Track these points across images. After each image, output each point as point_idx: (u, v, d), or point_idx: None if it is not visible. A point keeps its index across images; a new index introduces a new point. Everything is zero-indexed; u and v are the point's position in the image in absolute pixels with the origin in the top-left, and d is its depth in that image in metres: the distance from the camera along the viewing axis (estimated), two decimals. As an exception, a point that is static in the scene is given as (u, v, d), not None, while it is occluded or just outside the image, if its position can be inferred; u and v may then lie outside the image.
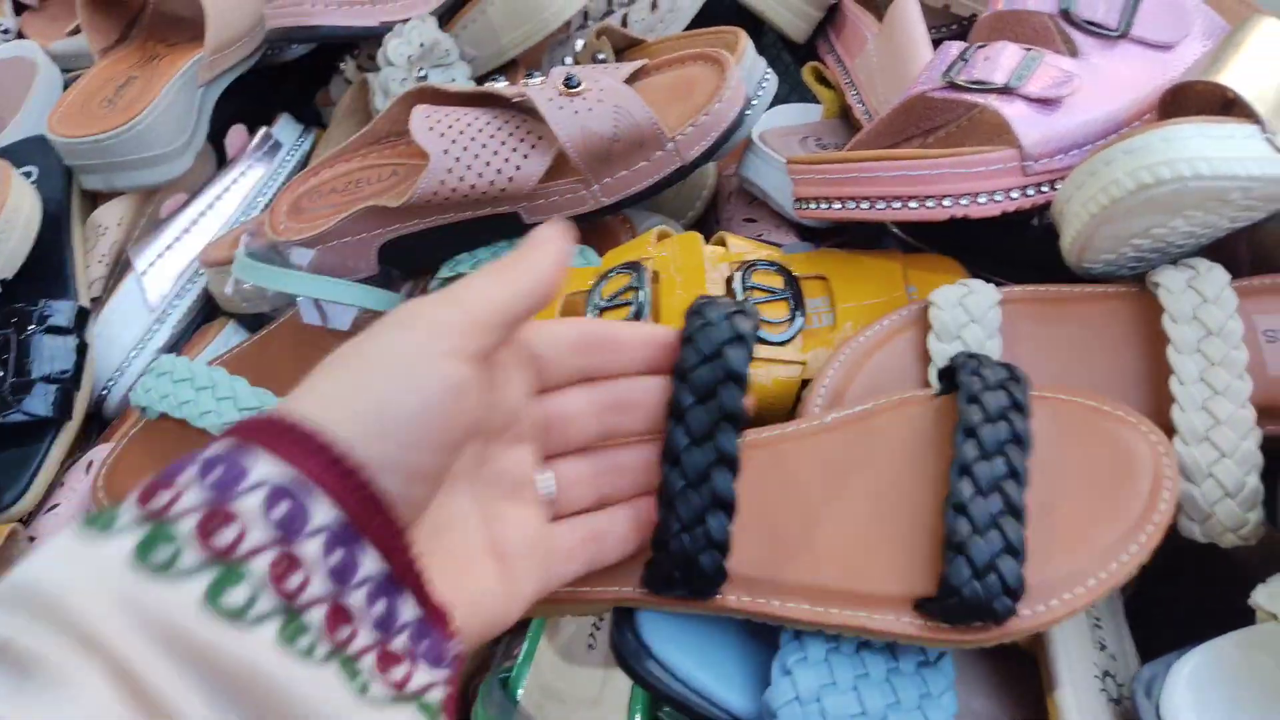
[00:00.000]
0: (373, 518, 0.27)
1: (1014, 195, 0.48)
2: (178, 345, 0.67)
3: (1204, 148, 0.41)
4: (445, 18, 0.76)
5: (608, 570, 0.39)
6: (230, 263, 0.65)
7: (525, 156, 0.56)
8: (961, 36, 0.70)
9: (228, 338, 0.66)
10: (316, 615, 0.26)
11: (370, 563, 0.27)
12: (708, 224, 0.72)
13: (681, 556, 0.36)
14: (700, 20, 0.79)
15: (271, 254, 0.60)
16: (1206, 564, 0.50)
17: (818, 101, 0.74)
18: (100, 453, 0.62)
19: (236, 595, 0.25)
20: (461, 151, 0.55)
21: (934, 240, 0.55)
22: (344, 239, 0.60)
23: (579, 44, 0.74)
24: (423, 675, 0.28)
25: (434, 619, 0.29)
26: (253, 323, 0.68)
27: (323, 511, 0.26)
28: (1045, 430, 0.39)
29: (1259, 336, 0.45)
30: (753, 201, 0.69)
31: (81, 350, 0.62)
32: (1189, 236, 0.46)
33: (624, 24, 0.77)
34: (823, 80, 0.75)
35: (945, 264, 0.53)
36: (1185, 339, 0.44)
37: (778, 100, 0.82)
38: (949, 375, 0.41)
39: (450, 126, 0.56)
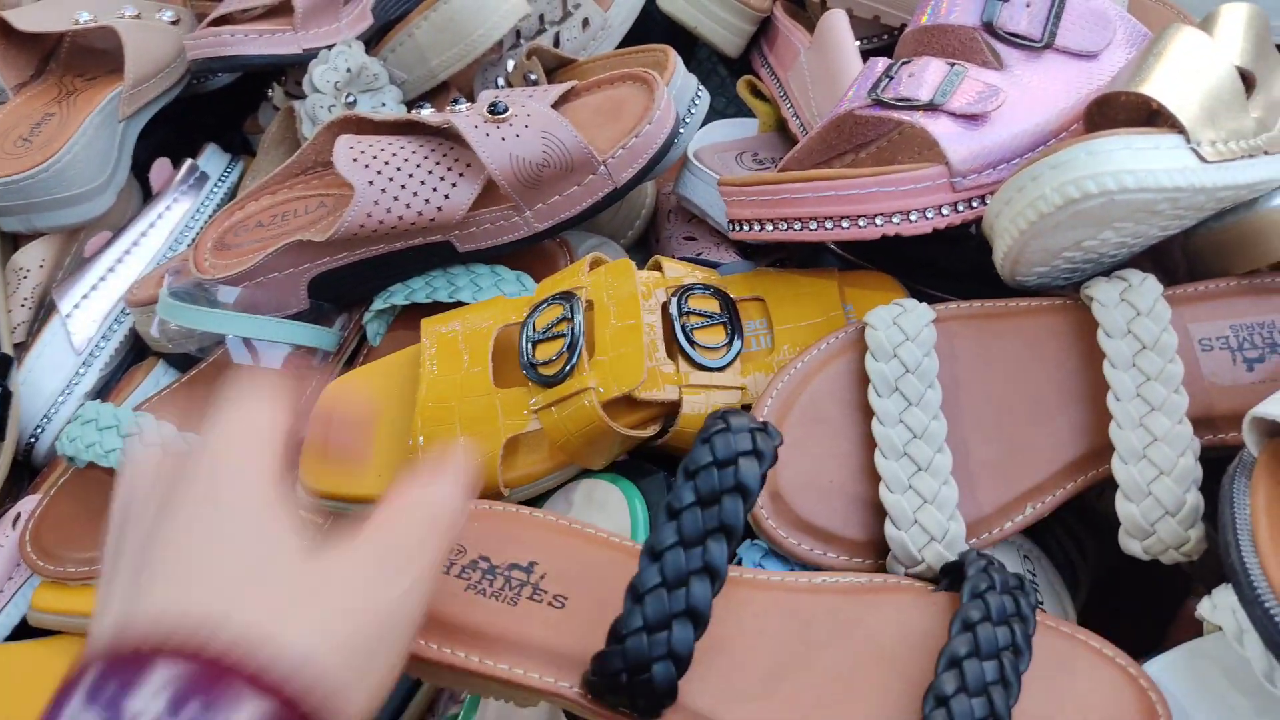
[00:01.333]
0: None
1: (944, 212, 0.47)
2: (106, 388, 0.65)
3: (1128, 160, 0.41)
4: (372, 41, 0.74)
5: (550, 656, 0.37)
6: (155, 302, 0.63)
7: (453, 185, 0.55)
8: (892, 47, 0.70)
9: (157, 379, 0.64)
10: None
11: None
12: (648, 243, 0.71)
13: (636, 657, 0.34)
14: (633, 37, 0.78)
15: (197, 292, 0.58)
16: (1156, 576, 0.50)
17: (754, 115, 0.74)
18: (28, 504, 0.60)
19: None
20: (387, 183, 0.54)
21: (871, 256, 0.55)
22: (272, 274, 0.58)
23: (511, 64, 0.72)
24: None
25: None
26: (183, 362, 0.66)
27: None
28: (1037, 657, 0.37)
29: (1194, 347, 0.45)
30: (692, 219, 0.68)
31: (5, 399, 0.60)
32: (1120, 246, 0.46)
33: (556, 42, 0.76)
34: (758, 94, 0.74)
35: (882, 281, 0.53)
36: (1120, 354, 0.43)
37: (715, 113, 0.82)
38: (953, 572, 0.41)
39: (375, 157, 0.55)
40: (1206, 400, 0.45)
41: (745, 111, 0.76)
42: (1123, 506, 0.42)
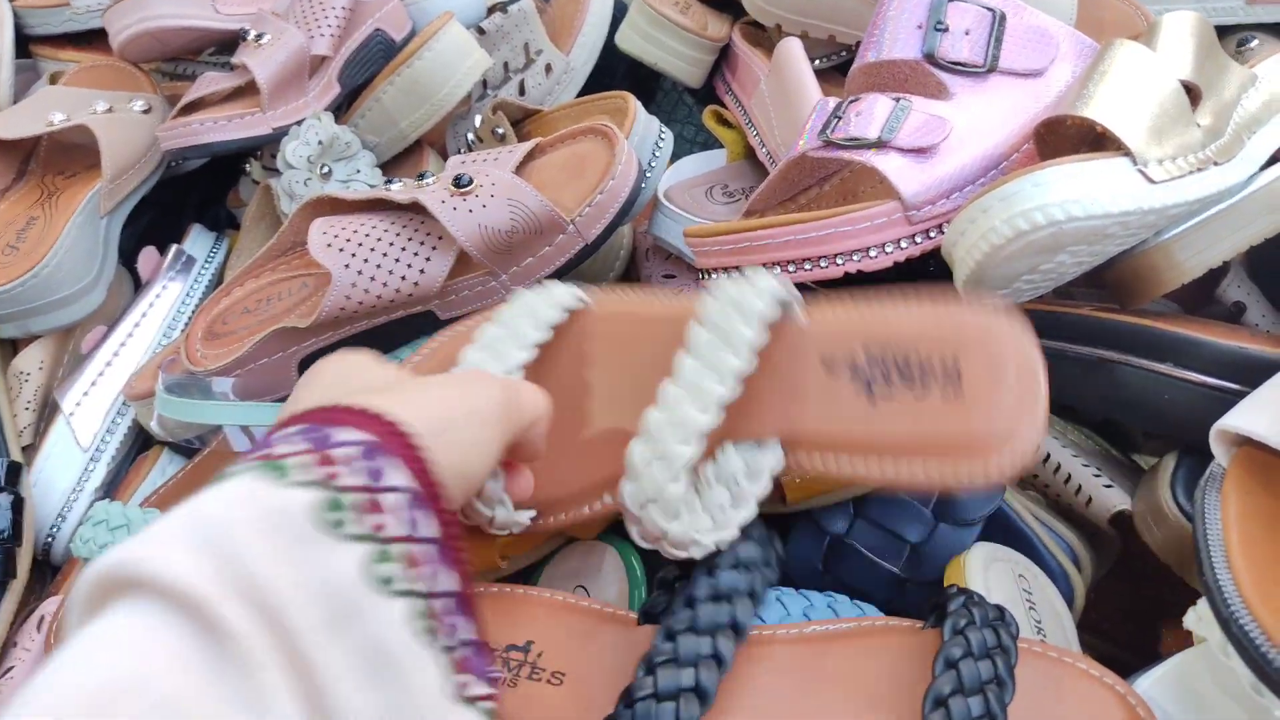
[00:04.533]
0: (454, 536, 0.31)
1: (903, 245, 0.48)
2: (115, 481, 0.67)
3: (1074, 189, 0.42)
4: (342, 108, 0.76)
5: None
6: (153, 394, 0.65)
7: (427, 260, 0.56)
8: (849, 64, 0.71)
9: (163, 468, 0.66)
10: (436, 605, 0.29)
11: (432, 529, 0.30)
12: (629, 282, 0.72)
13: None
14: (596, 75, 0.79)
15: (191, 382, 0.59)
16: (1157, 581, 0.50)
17: (722, 145, 0.75)
18: (50, 606, 0.61)
19: (385, 570, 0.28)
20: (363, 264, 0.55)
21: (841, 289, 0.56)
22: (261, 360, 0.59)
23: (479, 119, 0.73)
24: (478, 687, 0.30)
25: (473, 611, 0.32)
26: (187, 449, 0.68)
27: (431, 525, 0.30)
28: (1025, 683, 0.38)
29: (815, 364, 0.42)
30: (670, 257, 0.69)
31: (17, 506, 0.62)
32: (1078, 266, 0.47)
33: (521, 89, 0.77)
34: (724, 122, 0.75)
35: (853, 312, 0.54)
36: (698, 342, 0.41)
37: (685, 141, 0.83)
38: (937, 610, 0.41)
39: (349, 240, 0.56)
40: (800, 420, 0.42)
41: (715, 138, 0.77)
42: (623, 484, 0.41)
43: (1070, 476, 0.53)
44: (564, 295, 0.48)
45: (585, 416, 0.46)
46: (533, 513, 0.44)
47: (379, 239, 0.56)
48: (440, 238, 0.56)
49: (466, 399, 0.35)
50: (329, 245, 0.56)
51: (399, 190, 0.58)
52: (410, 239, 0.56)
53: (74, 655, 0.24)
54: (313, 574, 0.26)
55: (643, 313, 0.47)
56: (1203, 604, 0.42)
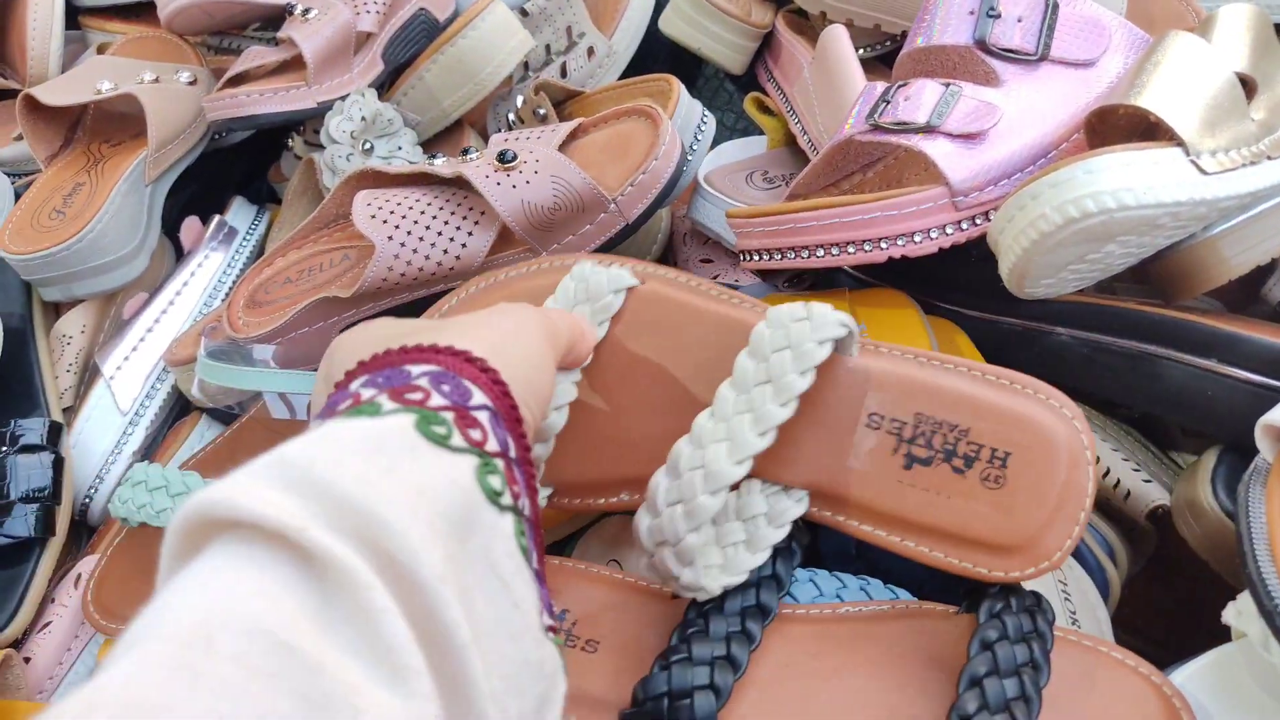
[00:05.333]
0: (512, 413, 0.31)
1: (949, 231, 0.48)
2: (153, 445, 0.68)
3: (1127, 178, 0.42)
4: (384, 86, 0.76)
5: (585, 700, 0.39)
6: (194, 360, 0.65)
7: (469, 234, 0.56)
8: (895, 54, 0.70)
9: (201, 433, 0.66)
10: (528, 527, 0.29)
11: (511, 446, 0.30)
12: (666, 265, 0.72)
13: (680, 684, 0.37)
14: (638, 60, 0.79)
15: (233, 349, 0.60)
16: (1193, 577, 0.50)
17: (762, 132, 0.75)
18: (87, 565, 0.62)
19: (493, 481, 0.28)
20: (406, 236, 0.56)
21: (881, 274, 0.56)
22: (302, 329, 0.60)
23: (520, 99, 0.74)
24: (549, 618, 0.30)
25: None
26: (225, 415, 0.68)
27: (515, 445, 0.30)
28: (1060, 670, 0.38)
29: (860, 416, 0.41)
30: (708, 241, 0.69)
31: (58, 465, 0.63)
32: (1126, 256, 0.46)
33: (563, 72, 0.78)
34: (765, 109, 0.75)
35: (892, 297, 0.54)
36: (745, 374, 0.39)
37: (725, 129, 0.83)
38: (971, 595, 0.41)
39: (392, 212, 0.56)
40: (832, 475, 0.41)
41: (755, 126, 0.77)
42: (641, 516, 0.39)
43: (1109, 470, 0.53)
44: (623, 278, 0.46)
45: (618, 407, 0.44)
46: (550, 490, 0.44)
47: (422, 212, 0.57)
48: (483, 213, 0.56)
49: (515, 324, 0.36)
50: (373, 217, 0.56)
51: (443, 165, 0.59)
52: (454, 213, 0.57)
53: (173, 595, 0.23)
54: (432, 479, 0.26)
55: (696, 307, 0.44)
56: (1243, 599, 0.41)
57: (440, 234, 0.56)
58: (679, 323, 0.44)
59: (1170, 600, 0.54)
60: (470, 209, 0.57)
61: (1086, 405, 0.55)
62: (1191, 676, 0.42)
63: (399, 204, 0.57)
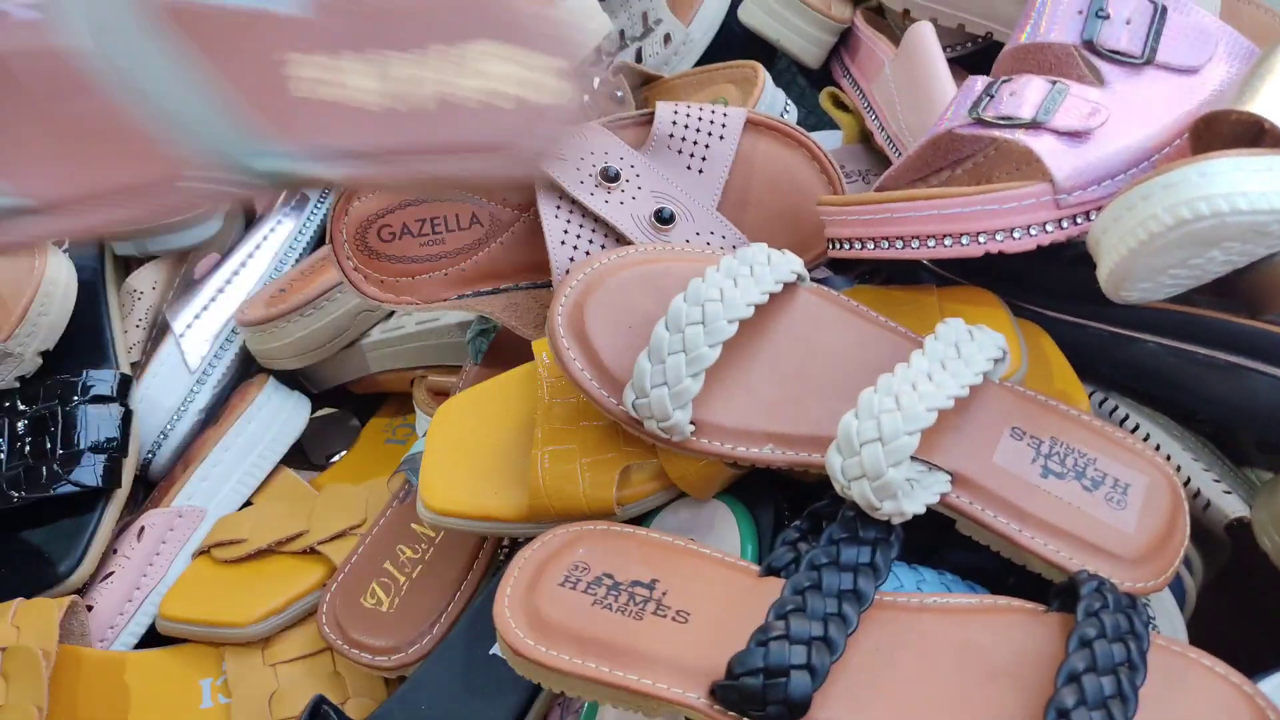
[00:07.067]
0: None
1: (1048, 229, 0.48)
2: (218, 405, 0.68)
3: (1241, 182, 0.41)
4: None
5: (677, 668, 0.39)
6: (266, 322, 0.66)
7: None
8: (977, 56, 0.70)
9: (269, 394, 0.67)
10: None
11: None
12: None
13: (777, 661, 0.37)
14: (712, 48, 0.79)
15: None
16: (1268, 591, 0.50)
17: (836, 126, 0.75)
18: (151, 518, 0.62)
19: None
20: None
21: (966, 272, 0.56)
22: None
23: (596, 81, 0.74)
24: None
25: None
26: (290, 378, 0.69)
27: None
28: (1151, 674, 0.38)
29: (1004, 429, 0.46)
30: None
31: (126, 418, 0.63)
32: (1227, 264, 0.46)
33: (638, 58, 0.78)
34: (840, 104, 0.75)
35: (980, 295, 0.54)
36: (933, 350, 0.44)
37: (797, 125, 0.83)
38: (1065, 592, 0.41)
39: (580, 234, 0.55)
40: (978, 465, 0.44)
41: (825, 121, 0.77)
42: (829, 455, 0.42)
43: (1190, 480, 0.52)
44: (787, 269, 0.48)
45: (780, 374, 0.46)
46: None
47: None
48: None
49: None
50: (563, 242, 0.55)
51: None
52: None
53: None
54: None
55: (859, 315, 0.49)
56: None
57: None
58: (844, 322, 0.48)
59: (1242, 613, 0.54)
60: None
61: (1166, 416, 0.55)
62: (1274, 687, 0.42)
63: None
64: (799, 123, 0.82)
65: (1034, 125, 0.48)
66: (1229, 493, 0.52)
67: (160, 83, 0.32)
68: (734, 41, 0.80)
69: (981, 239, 0.48)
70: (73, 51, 0.31)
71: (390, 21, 0.34)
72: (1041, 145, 0.47)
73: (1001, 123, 0.48)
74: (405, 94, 0.34)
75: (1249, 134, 0.46)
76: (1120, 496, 0.44)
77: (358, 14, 0.34)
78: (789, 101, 0.65)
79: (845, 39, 0.76)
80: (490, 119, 0.35)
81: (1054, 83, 0.49)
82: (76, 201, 0.33)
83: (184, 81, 0.32)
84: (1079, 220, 0.48)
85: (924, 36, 0.65)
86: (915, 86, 0.64)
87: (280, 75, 0.33)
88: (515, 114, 0.35)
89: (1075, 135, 0.47)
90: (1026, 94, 0.49)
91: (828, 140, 0.74)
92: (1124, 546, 0.43)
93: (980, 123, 0.49)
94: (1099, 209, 0.47)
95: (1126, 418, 0.55)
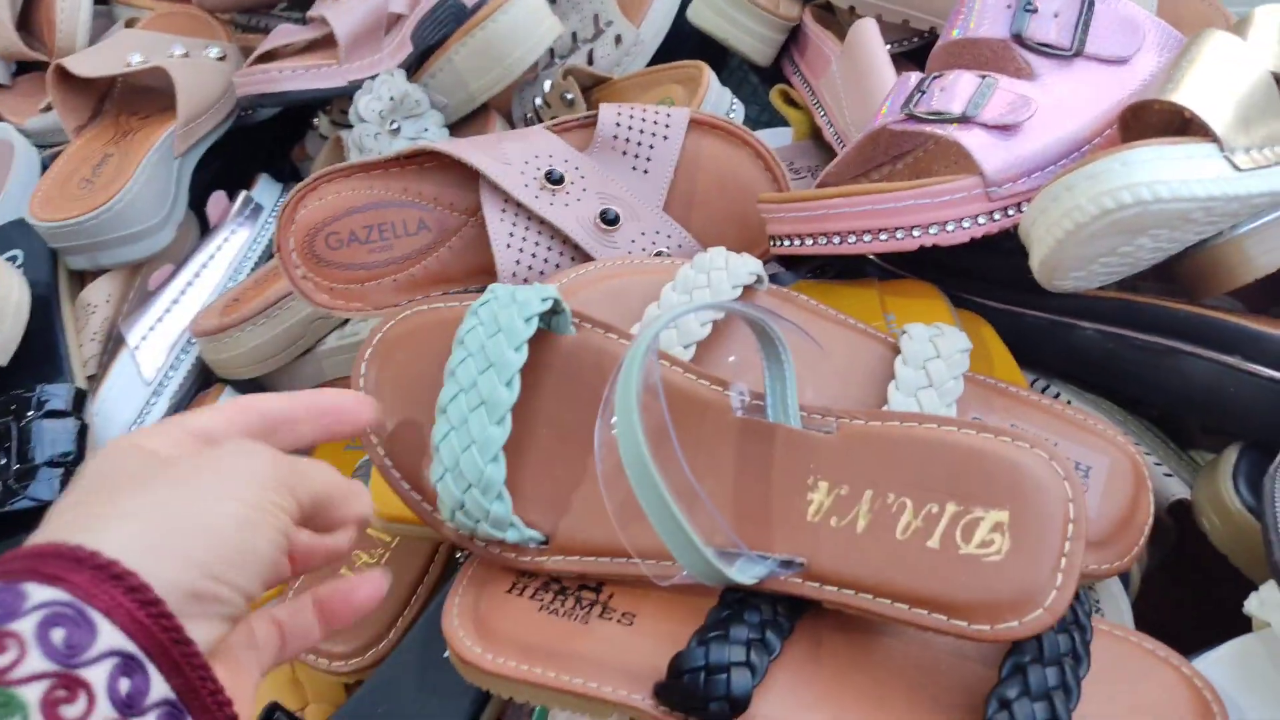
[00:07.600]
0: (162, 641, 0.26)
1: (981, 221, 0.48)
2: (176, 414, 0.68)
3: (1162, 170, 0.42)
4: (412, 68, 0.76)
5: (622, 670, 0.39)
6: (220, 332, 0.66)
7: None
8: (923, 51, 0.71)
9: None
10: None
11: (159, 689, 0.25)
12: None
13: (717, 660, 0.37)
14: (665, 49, 0.79)
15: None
16: (1210, 571, 0.51)
17: (788, 124, 0.75)
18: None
19: None
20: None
21: (909, 265, 0.56)
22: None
23: (547, 85, 0.74)
24: None
25: None
26: (247, 388, 0.69)
27: (107, 635, 0.25)
28: (1095, 660, 0.38)
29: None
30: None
31: (82, 432, 0.63)
32: (1156, 251, 0.47)
33: (589, 60, 0.78)
34: (791, 101, 0.75)
35: (921, 289, 0.54)
36: (907, 381, 0.45)
37: (749, 122, 0.83)
38: None
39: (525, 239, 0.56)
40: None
41: (779, 119, 0.78)
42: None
43: (1130, 463, 0.53)
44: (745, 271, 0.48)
45: None
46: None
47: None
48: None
49: (216, 479, 0.30)
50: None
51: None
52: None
53: None
54: None
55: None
56: (1265, 589, 0.42)
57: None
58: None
59: (1185, 594, 0.55)
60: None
61: (1109, 402, 0.55)
62: (1212, 665, 0.43)
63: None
64: (750, 121, 0.83)
65: (964, 120, 0.48)
66: (1170, 475, 0.53)
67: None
68: (686, 42, 0.81)
69: (916, 233, 0.48)
70: None
71: None
72: (971, 139, 0.48)
73: (932, 118, 0.49)
74: None
75: (1175, 123, 0.47)
76: (1082, 479, 0.44)
77: None
78: (735, 100, 0.66)
79: (795, 36, 0.77)
80: None
81: (984, 77, 0.49)
82: None
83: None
84: (1011, 212, 0.48)
85: (867, 33, 0.65)
86: (859, 82, 0.65)
87: None
88: None
89: (1005, 129, 0.48)
90: (956, 89, 0.49)
91: (777, 137, 0.75)
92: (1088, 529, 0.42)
93: (913, 118, 0.50)
94: (1030, 200, 0.47)
95: (1069, 404, 0.55)
